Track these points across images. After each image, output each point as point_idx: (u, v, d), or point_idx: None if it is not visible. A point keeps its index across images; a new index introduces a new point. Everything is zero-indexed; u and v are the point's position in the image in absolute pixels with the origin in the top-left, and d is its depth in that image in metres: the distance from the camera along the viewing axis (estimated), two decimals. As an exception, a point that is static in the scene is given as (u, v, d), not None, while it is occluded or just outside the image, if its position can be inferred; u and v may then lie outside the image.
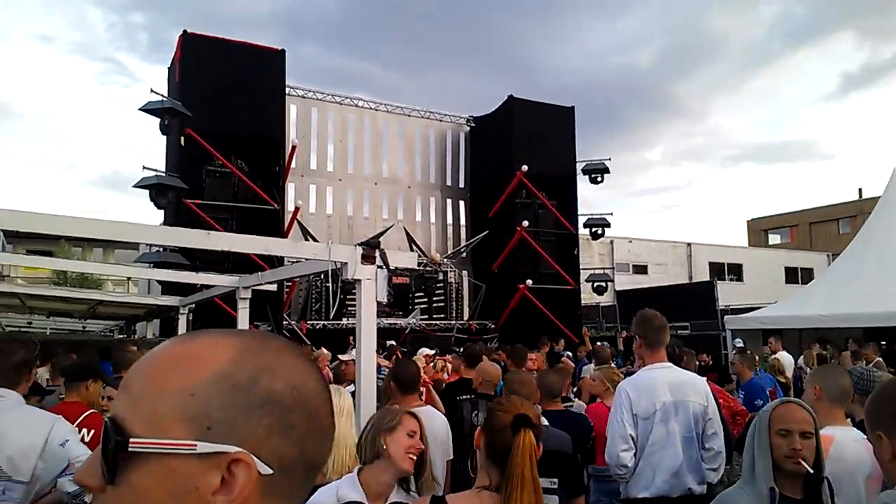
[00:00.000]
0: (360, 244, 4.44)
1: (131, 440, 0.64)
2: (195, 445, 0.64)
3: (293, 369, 0.73)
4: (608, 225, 17.02)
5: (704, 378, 4.07)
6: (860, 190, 42.26)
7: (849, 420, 3.23)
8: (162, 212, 12.52)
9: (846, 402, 2.93)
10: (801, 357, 10.20)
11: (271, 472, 0.67)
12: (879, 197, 14.59)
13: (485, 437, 1.99)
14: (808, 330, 12.83)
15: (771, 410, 2.36)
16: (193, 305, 10.00)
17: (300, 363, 0.74)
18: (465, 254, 17.43)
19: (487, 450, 1.97)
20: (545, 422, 3.51)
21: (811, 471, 2.23)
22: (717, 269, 33.01)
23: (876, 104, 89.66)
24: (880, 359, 8.90)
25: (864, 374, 3.41)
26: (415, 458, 2.46)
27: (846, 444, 2.71)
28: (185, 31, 12.68)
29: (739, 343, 12.43)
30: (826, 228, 42.93)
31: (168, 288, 11.12)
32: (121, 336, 15.82)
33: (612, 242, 30.35)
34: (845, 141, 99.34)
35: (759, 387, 7.12)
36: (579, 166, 16.82)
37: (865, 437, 2.80)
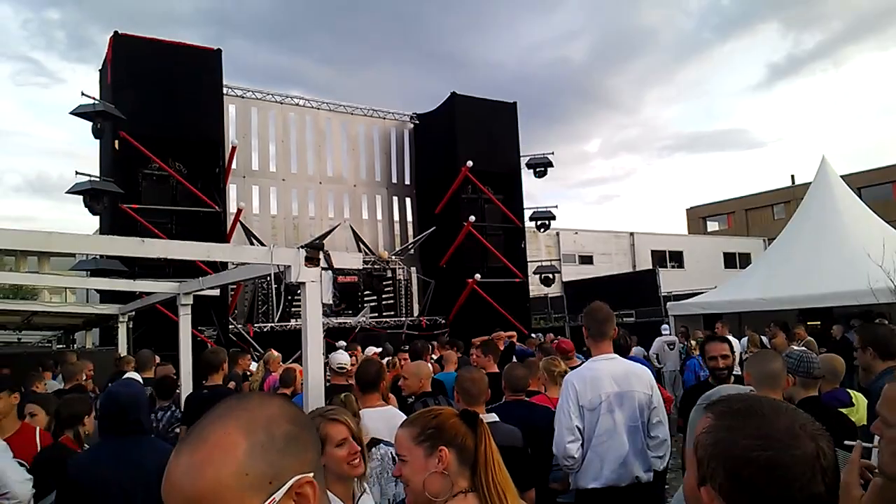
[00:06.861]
0: (302, 246, 4.37)
1: None
2: (274, 499, 0.89)
3: (280, 409, 0.97)
4: (553, 217, 17.23)
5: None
6: (793, 176, 43.92)
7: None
8: (98, 217, 12.11)
9: (780, 386, 3.02)
10: (745, 340, 10.51)
11: (312, 474, 0.93)
12: (811, 183, 15.18)
13: (454, 450, 1.90)
14: (747, 313, 13.27)
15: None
16: (133, 313, 9.70)
17: (277, 402, 1.00)
18: (412, 250, 17.38)
19: (459, 456, 1.90)
20: (495, 418, 3.53)
21: None
22: (660, 257, 33.82)
23: (801, 93, 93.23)
24: (811, 338, 9.28)
25: (802, 357, 3.56)
26: (357, 460, 2.40)
27: None
28: (116, 32, 12.23)
29: (666, 329, 12.93)
30: (761, 214, 44.46)
31: (107, 296, 10.73)
32: (60, 346, 15.23)
33: (557, 234, 30.75)
34: (775, 129, 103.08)
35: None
36: (523, 160, 16.99)
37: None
